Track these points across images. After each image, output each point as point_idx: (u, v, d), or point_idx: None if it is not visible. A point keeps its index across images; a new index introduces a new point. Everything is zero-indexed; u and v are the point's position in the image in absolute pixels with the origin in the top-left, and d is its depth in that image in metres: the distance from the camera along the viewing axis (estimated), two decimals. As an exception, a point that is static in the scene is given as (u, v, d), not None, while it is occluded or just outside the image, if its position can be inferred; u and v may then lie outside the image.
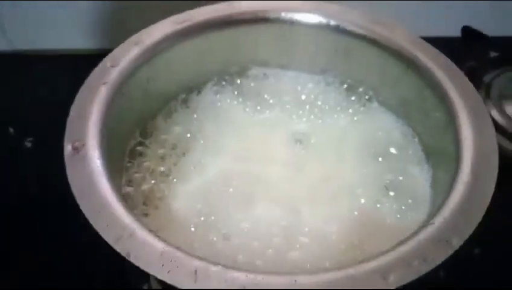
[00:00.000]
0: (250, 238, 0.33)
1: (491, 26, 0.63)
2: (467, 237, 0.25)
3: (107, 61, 0.36)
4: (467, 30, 0.63)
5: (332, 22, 0.39)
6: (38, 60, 0.63)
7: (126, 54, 0.36)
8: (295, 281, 0.23)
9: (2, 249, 0.43)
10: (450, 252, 0.25)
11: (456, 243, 0.25)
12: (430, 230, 0.26)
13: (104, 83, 0.34)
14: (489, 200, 0.27)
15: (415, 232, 0.26)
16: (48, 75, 0.60)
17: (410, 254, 0.25)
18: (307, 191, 0.36)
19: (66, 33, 0.62)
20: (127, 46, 0.37)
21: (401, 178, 0.36)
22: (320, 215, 0.35)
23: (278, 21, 0.40)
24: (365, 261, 0.24)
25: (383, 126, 0.39)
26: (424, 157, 0.37)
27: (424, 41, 0.37)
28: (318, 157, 0.38)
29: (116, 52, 0.36)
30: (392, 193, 0.35)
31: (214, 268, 0.24)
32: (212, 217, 0.34)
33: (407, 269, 0.24)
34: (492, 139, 0.30)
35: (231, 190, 0.36)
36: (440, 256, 0.24)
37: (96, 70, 0.35)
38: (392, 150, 0.38)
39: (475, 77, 0.61)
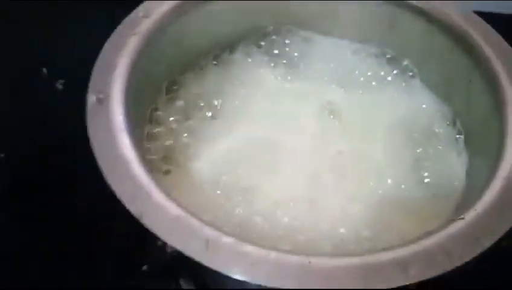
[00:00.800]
0: (270, 207, 0.32)
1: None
2: (499, 237, 0.23)
3: (139, 11, 0.34)
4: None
5: (379, -12, 0.36)
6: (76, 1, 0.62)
7: (160, 5, 0.35)
8: (309, 262, 0.22)
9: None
10: (479, 250, 0.23)
11: (487, 242, 0.23)
12: (459, 225, 0.24)
13: (135, 34, 0.33)
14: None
15: (443, 226, 0.24)
16: (85, 18, 0.59)
17: (435, 248, 0.23)
18: (334, 165, 0.35)
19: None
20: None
21: (435, 163, 0.34)
22: (344, 192, 0.33)
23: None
24: (386, 249, 0.23)
25: (422, 105, 0.37)
26: (463, 143, 0.34)
27: (477, 16, 0.34)
28: (349, 132, 0.36)
29: (149, 2, 0.35)
30: (423, 178, 0.33)
31: (226, 239, 0.23)
32: (233, 182, 0.33)
33: (429, 264, 0.22)
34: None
35: (256, 156, 0.35)
36: (467, 253, 0.23)
37: (127, 19, 0.33)
38: (429, 132, 0.36)
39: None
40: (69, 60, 0.54)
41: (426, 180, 0.33)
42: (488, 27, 0.33)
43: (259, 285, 0.22)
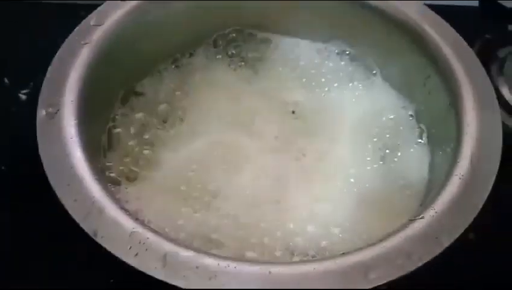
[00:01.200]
0: (236, 209, 0.32)
1: (511, -2, 0.59)
2: (458, 235, 0.24)
3: (90, 19, 0.33)
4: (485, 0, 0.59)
5: (337, -12, 0.36)
6: (37, 9, 0.60)
7: (112, 12, 0.34)
8: (269, 272, 0.22)
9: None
10: (439, 250, 0.23)
11: (446, 241, 0.23)
12: (418, 225, 0.24)
13: (86, 43, 0.32)
14: (485, 198, 0.25)
15: (403, 226, 0.24)
16: (46, 25, 0.58)
17: (395, 250, 0.23)
18: (299, 166, 0.34)
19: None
20: (114, 3, 0.34)
21: (398, 159, 0.34)
22: (311, 192, 0.33)
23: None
24: (346, 254, 0.23)
25: (384, 103, 0.37)
26: (426, 138, 0.34)
27: (434, 13, 0.34)
28: (312, 131, 0.36)
29: (101, 9, 0.34)
30: (387, 174, 0.33)
31: (185, 253, 0.22)
32: (198, 187, 0.33)
33: (390, 267, 0.22)
34: (498, 131, 0.28)
35: (219, 160, 0.35)
36: (427, 254, 0.23)
37: (78, 29, 0.32)
38: (391, 129, 0.36)
39: (489, 50, 0.58)
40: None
41: (390, 176, 0.33)
42: (443, 22, 0.34)
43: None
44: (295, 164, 0.35)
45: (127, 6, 0.34)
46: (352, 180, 0.33)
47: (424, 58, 0.33)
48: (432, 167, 0.33)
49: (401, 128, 0.35)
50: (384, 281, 0.22)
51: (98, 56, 0.32)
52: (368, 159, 0.34)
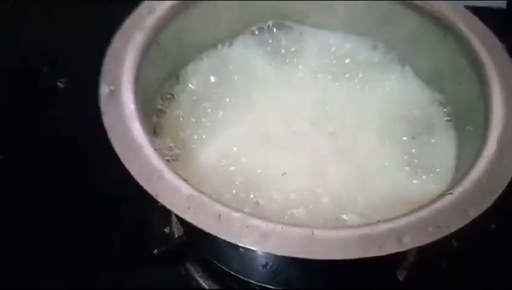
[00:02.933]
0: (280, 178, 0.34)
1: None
2: (485, 209, 0.26)
3: (143, 7, 0.36)
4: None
5: (372, -16, 0.38)
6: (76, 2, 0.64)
7: (162, 2, 0.36)
8: (313, 233, 0.24)
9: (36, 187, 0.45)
10: (466, 221, 0.25)
11: (473, 213, 0.26)
12: (448, 199, 0.26)
13: (140, 30, 0.34)
14: (510, 176, 0.27)
15: (433, 200, 0.26)
16: (84, 18, 0.61)
17: (426, 220, 0.25)
18: (331, 152, 0.37)
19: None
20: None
21: (426, 146, 0.36)
22: (342, 175, 0.35)
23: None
24: (382, 222, 0.25)
25: (414, 93, 0.39)
26: (453, 127, 0.36)
27: (466, 9, 0.36)
28: (343, 120, 0.38)
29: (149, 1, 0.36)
30: (415, 159, 0.36)
31: (236, 214, 0.25)
32: (238, 168, 0.35)
33: (421, 233, 0.25)
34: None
35: (259, 141, 0.37)
36: (455, 224, 0.25)
37: (133, 16, 0.35)
38: (420, 117, 0.38)
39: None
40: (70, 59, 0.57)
41: (417, 162, 0.35)
42: (476, 19, 0.36)
43: (268, 254, 0.24)
44: (328, 149, 0.37)
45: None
46: (386, 164, 0.35)
47: (455, 52, 0.35)
48: (459, 155, 0.35)
49: (430, 117, 0.37)
50: (416, 245, 0.24)
51: (150, 41, 0.34)
52: (398, 145, 0.36)
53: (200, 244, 0.37)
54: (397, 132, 0.37)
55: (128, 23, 0.35)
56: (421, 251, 0.41)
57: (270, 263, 0.32)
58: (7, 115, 0.51)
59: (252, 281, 0.36)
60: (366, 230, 0.25)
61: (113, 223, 0.42)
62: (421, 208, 0.26)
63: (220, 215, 0.25)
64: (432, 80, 0.39)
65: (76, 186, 0.45)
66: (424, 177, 0.34)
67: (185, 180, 0.27)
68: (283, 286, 0.36)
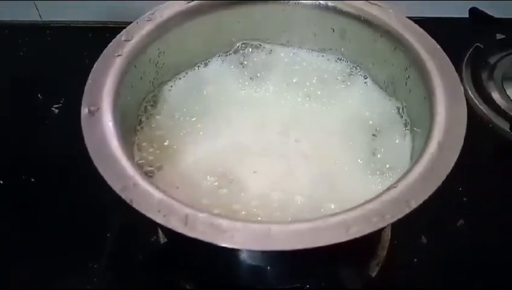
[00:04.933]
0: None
1: (499, 8, 0.64)
2: (424, 199, 0.29)
3: (122, 35, 0.40)
4: (474, 11, 0.65)
5: (330, 4, 0.42)
6: (66, 31, 0.68)
7: (140, 29, 0.40)
8: (269, 229, 0.28)
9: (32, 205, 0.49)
10: (407, 211, 0.28)
11: (414, 204, 0.29)
12: (392, 192, 0.29)
13: (119, 55, 0.38)
14: (449, 170, 0.30)
15: (379, 194, 0.29)
16: (75, 45, 0.65)
17: (372, 212, 0.28)
18: (298, 156, 0.40)
19: (91, 5, 0.67)
20: (141, 22, 0.41)
21: (385, 149, 0.39)
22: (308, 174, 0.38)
23: (280, 1, 0.43)
24: (331, 215, 0.28)
25: (374, 101, 0.42)
26: (408, 129, 0.40)
27: (413, 23, 0.40)
28: (311, 125, 0.42)
29: (130, 27, 0.40)
30: (374, 161, 0.39)
31: (201, 215, 0.28)
32: (219, 173, 0.38)
33: (367, 223, 0.28)
34: (463, 118, 0.33)
35: (231, 154, 0.40)
36: (397, 214, 0.28)
37: (112, 43, 0.39)
38: (380, 122, 0.41)
39: (480, 57, 0.63)
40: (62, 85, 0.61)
41: (375, 161, 0.39)
42: (422, 31, 0.39)
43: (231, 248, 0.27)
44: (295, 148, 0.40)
45: (152, 24, 0.41)
46: (346, 168, 0.39)
47: (405, 61, 0.39)
48: (413, 152, 0.38)
49: (388, 120, 0.41)
50: (361, 235, 0.27)
51: (128, 65, 0.38)
52: (358, 148, 0.40)
53: (183, 250, 0.41)
54: (358, 136, 0.40)
55: (108, 49, 0.39)
56: (392, 247, 0.44)
57: (243, 263, 0.36)
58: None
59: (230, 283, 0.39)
60: (319, 223, 0.28)
61: (103, 235, 0.45)
62: (368, 201, 0.29)
63: (187, 216, 0.28)
64: (389, 88, 0.42)
65: (69, 203, 0.48)
66: (382, 175, 0.38)
67: (157, 187, 0.30)
68: (261, 285, 0.39)
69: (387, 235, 0.45)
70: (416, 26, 0.40)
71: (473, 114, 0.56)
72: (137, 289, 0.43)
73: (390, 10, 0.41)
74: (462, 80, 0.52)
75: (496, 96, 0.60)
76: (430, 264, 0.45)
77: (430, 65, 0.37)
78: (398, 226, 0.44)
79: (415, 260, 0.45)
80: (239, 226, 0.28)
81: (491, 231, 0.47)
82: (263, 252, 0.28)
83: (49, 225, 0.47)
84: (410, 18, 0.40)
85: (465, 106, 0.34)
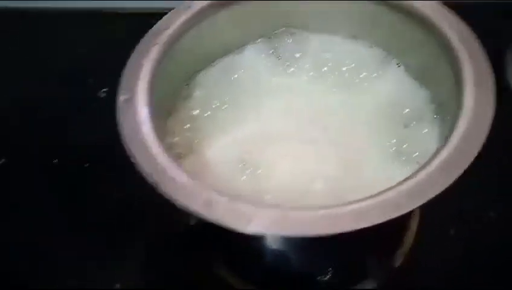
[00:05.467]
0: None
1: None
2: (442, 190, 0.29)
3: (159, 24, 0.42)
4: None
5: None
6: (118, 18, 0.71)
7: (176, 19, 0.42)
8: (289, 214, 0.29)
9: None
10: (423, 201, 0.29)
11: (431, 194, 0.29)
12: (410, 183, 0.30)
13: (155, 44, 0.40)
14: (469, 163, 0.30)
15: (398, 184, 0.30)
16: (125, 33, 0.68)
17: (388, 201, 0.29)
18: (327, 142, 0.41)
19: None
20: (177, 11, 0.42)
21: (413, 138, 0.39)
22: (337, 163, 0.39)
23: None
24: (350, 203, 0.29)
25: (405, 91, 0.42)
26: (437, 116, 0.39)
27: (447, 9, 0.39)
28: (339, 113, 0.42)
29: (167, 16, 0.42)
30: (402, 149, 0.39)
31: (222, 199, 0.30)
32: (244, 160, 0.40)
33: (380, 213, 0.28)
34: (490, 106, 0.33)
35: (261, 141, 0.41)
36: (413, 203, 0.28)
37: (149, 32, 0.41)
38: (412, 115, 0.41)
39: (502, 44, 0.60)
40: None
41: (403, 149, 0.39)
42: (454, 17, 0.38)
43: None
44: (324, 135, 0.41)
45: (187, 13, 0.42)
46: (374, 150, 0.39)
47: (437, 49, 0.38)
48: (441, 140, 0.38)
49: (419, 109, 0.40)
50: (375, 223, 0.28)
51: (164, 53, 0.40)
52: (386, 136, 0.40)
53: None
54: (388, 125, 0.40)
55: (145, 38, 0.41)
56: (419, 238, 0.44)
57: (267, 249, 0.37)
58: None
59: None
60: (333, 210, 0.29)
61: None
62: (385, 190, 0.30)
63: (208, 201, 0.30)
64: (420, 76, 0.41)
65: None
66: (409, 165, 0.38)
67: (183, 171, 0.32)
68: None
69: (414, 226, 0.45)
70: (451, 13, 0.39)
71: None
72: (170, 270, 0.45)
73: (425, -4, 0.40)
74: (504, 66, 0.50)
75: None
76: (455, 257, 0.44)
77: (462, 54, 0.36)
78: (427, 217, 0.44)
79: (441, 253, 0.44)
80: (259, 211, 0.29)
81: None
82: (285, 238, 0.30)
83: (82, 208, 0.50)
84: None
85: (493, 97, 0.33)
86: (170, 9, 0.42)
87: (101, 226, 0.48)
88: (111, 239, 0.47)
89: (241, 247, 0.40)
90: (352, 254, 0.41)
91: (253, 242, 0.37)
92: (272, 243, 0.36)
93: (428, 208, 0.43)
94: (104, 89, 0.62)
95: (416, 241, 0.44)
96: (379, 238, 0.39)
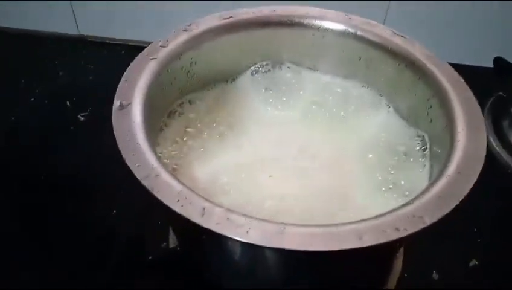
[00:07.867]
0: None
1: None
2: (439, 217, 0.29)
3: (158, 42, 0.42)
4: (499, 61, 0.66)
5: (358, 33, 0.44)
6: (100, 46, 0.72)
7: (176, 38, 0.42)
8: (284, 228, 0.28)
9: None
10: (421, 226, 0.28)
11: (428, 220, 0.29)
12: (407, 208, 0.30)
13: (153, 58, 0.40)
14: (465, 193, 0.30)
15: (395, 209, 0.30)
16: (106, 60, 0.69)
17: (385, 223, 0.29)
18: (316, 171, 0.41)
19: (128, 25, 0.71)
20: (178, 31, 0.43)
21: (403, 173, 0.40)
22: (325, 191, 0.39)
23: (311, 27, 0.45)
24: (345, 224, 0.29)
25: (396, 129, 0.43)
26: (428, 156, 0.40)
27: (437, 57, 0.41)
28: (329, 147, 0.43)
29: (167, 37, 0.42)
30: (392, 183, 0.39)
31: (218, 209, 0.29)
32: (232, 182, 0.39)
33: (380, 233, 0.28)
34: (483, 145, 0.34)
35: (250, 169, 0.41)
36: (412, 228, 0.28)
37: (148, 47, 0.41)
38: (401, 152, 0.42)
39: (502, 106, 0.64)
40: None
41: (393, 183, 0.39)
42: (444, 63, 0.40)
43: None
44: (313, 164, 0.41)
45: (187, 35, 0.43)
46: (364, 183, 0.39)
47: (428, 91, 0.40)
48: (431, 178, 0.38)
49: (409, 147, 0.41)
50: (374, 243, 0.27)
51: (161, 68, 0.40)
52: (377, 170, 0.40)
53: (192, 254, 0.41)
54: (377, 160, 0.41)
55: (144, 52, 0.41)
56: (402, 280, 0.44)
57: (254, 266, 0.36)
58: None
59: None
60: (332, 229, 0.28)
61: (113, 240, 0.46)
62: (382, 214, 0.29)
63: (204, 209, 0.29)
64: (411, 117, 0.43)
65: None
66: (399, 199, 0.38)
67: (178, 179, 0.31)
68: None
69: (398, 266, 0.44)
70: (438, 59, 0.41)
71: (494, 161, 0.57)
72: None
73: (416, 43, 0.42)
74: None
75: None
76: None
77: (452, 95, 0.38)
78: (410, 259, 0.44)
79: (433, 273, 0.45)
80: (254, 223, 0.28)
81: (503, 274, 0.47)
82: (276, 252, 0.29)
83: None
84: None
85: (485, 134, 0.35)
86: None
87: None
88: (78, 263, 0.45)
89: (226, 267, 0.39)
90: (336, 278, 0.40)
91: (239, 260, 0.36)
92: (261, 261, 0.35)
93: (412, 250, 0.44)
94: (83, 113, 0.62)
95: (399, 283, 0.43)
96: (363, 277, 0.39)
